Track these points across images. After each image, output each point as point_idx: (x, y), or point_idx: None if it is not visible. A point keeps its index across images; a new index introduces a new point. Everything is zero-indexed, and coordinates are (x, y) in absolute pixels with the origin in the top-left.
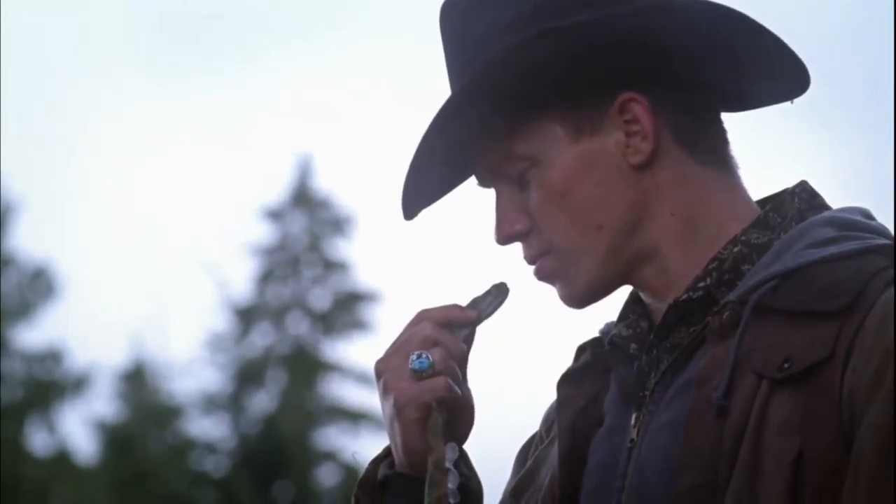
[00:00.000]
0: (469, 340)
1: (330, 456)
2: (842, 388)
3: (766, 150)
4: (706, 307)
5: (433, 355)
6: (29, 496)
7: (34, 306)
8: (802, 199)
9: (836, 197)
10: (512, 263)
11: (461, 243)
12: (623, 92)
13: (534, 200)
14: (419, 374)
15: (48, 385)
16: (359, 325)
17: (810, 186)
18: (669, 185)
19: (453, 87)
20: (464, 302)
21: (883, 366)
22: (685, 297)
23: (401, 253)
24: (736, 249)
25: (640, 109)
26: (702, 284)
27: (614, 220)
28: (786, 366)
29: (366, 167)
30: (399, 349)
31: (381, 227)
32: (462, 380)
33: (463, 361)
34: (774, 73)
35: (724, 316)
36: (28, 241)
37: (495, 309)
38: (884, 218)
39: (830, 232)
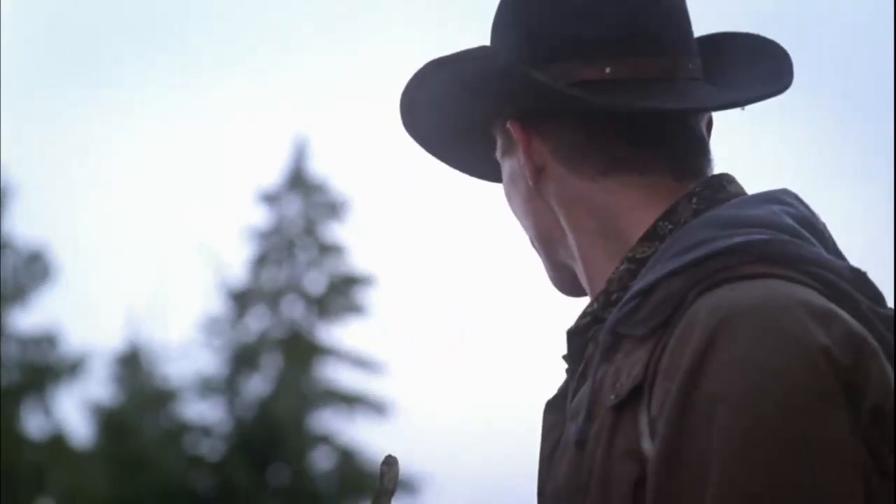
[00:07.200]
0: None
1: (325, 439)
2: (650, 411)
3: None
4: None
5: None
6: (25, 479)
7: (30, 290)
8: (703, 196)
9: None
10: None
11: (455, 227)
12: (510, 120)
13: None
14: None
15: (44, 369)
16: (354, 309)
17: (717, 180)
18: (561, 204)
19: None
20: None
21: (672, 387)
22: (573, 326)
23: (396, 236)
24: (622, 267)
25: (517, 136)
26: (589, 310)
27: (537, 235)
28: (616, 393)
29: (361, 151)
30: None
31: (376, 211)
32: None
33: None
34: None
35: (597, 344)
36: (24, 225)
37: (396, 478)
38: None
39: (708, 233)
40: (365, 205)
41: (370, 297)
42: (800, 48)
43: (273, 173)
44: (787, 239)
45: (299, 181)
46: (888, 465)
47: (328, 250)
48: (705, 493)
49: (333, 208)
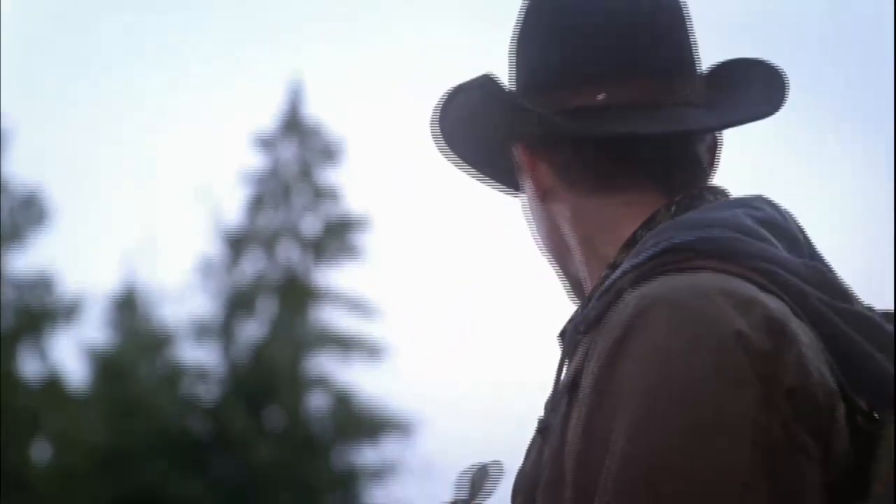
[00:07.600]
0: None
1: (320, 382)
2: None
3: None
4: None
5: None
6: (20, 423)
7: (26, 233)
8: (681, 205)
9: None
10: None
11: (451, 169)
12: (518, 144)
13: None
14: None
15: (39, 312)
16: (349, 252)
17: (699, 191)
18: (564, 219)
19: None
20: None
21: (592, 373)
22: (562, 329)
23: (391, 179)
24: (604, 273)
25: (523, 159)
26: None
27: (550, 250)
28: (563, 384)
29: (356, 95)
30: None
31: (371, 154)
32: None
33: None
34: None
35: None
36: (20, 167)
37: (495, 487)
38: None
39: (667, 234)
40: (360, 148)
41: (365, 240)
42: (800, 48)
43: (269, 117)
44: (733, 235)
45: (295, 125)
46: (804, 444)
47: (324, 194)
48: (609, 471)
49: (328, 152)
